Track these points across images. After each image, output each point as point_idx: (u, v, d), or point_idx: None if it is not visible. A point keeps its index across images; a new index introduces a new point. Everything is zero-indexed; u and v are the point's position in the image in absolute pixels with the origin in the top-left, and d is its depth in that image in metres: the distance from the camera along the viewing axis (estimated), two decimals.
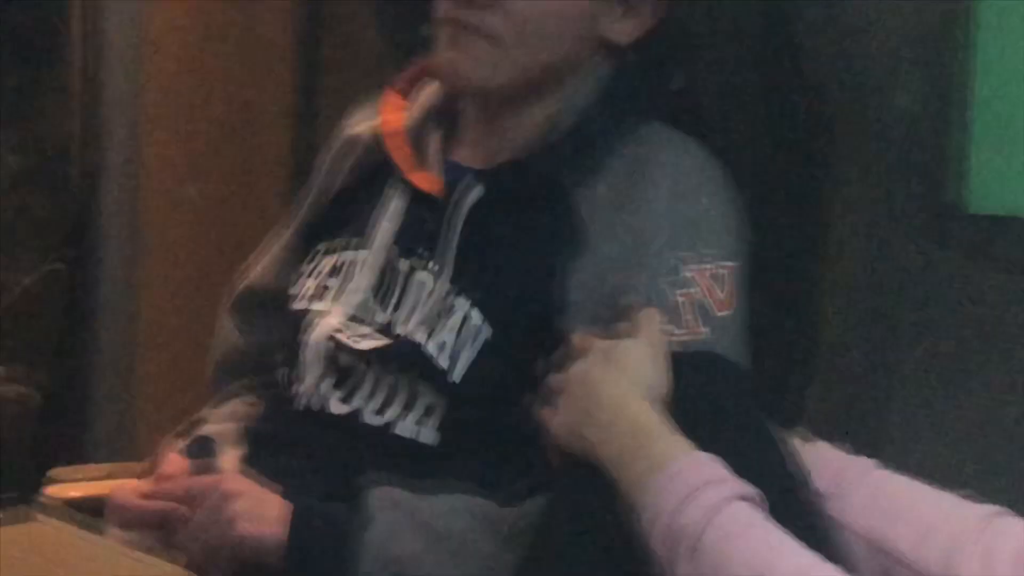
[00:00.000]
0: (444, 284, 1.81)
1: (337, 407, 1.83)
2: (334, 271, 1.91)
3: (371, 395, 1.83)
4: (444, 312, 1.80)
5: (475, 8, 1.80)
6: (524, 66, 1.83)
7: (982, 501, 1.52)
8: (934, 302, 1.81)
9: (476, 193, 1.84)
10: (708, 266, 1.76)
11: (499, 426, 1.72)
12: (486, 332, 1.78)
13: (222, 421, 1.95)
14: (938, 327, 1.81)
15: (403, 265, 1.85)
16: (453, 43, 1.83)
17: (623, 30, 1.86)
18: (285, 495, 1.71)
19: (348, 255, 1.91)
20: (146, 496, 1.77)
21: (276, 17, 2.89)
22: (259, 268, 2.06)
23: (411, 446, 1.79)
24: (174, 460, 1.86)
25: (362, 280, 1.87)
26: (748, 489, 1.38)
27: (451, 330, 1.79)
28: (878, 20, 1.84)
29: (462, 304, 1.80)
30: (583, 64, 1.87)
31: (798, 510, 1.42)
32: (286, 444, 1.85)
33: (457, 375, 1.78)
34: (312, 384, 1.86)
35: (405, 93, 1.95)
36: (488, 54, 1.81)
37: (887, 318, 1.84)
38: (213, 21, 2.86)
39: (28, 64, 2.76)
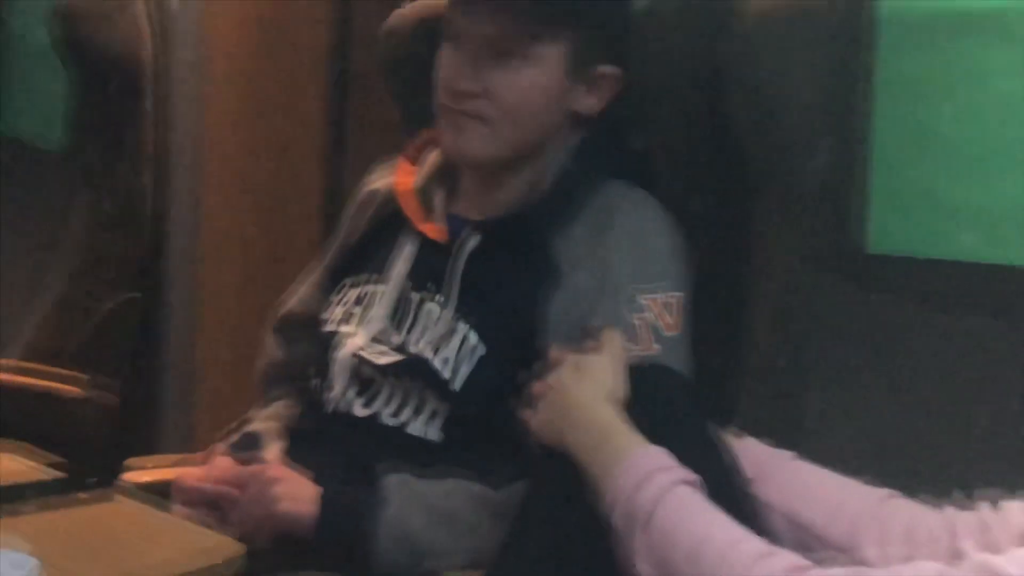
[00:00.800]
0: (448, 312, 1.82)
1: (360, 411, 1.84)
2: (358, 301, 1.91)
3: (388, 401, 1.84)
4: (447, 334, 1.81)
5: (468, 98, 1.81)
6: (510, 141, 1.84)
7: (878, 485, 1.53)
8: (840, 325, 1.81)
9: (474, 241, 1.85)
10: (659, 296, 1.78)
11: (491, 425, 1.73)
12: (481, 350, 1.79)
13: (266, 420, 1.95)
14: (843, 345, 1.80)
15: (414, 297, 1.86)
16: (452, 124, 1.84)
17: (589, 104, 1.86)
18: (316, 480, 1.73)
19: (369, 288, 1.91)
20: (204, 480, 1.78)
21: (313, 92, 2.90)
22: (297, 297, 2.07)
23: (420, 442, 1.80)
24: (227, 452, 1.86)
25: (381, 308, 1.88)
26: (690, 475, 1.38)
27: (453, 348, 1.80)
28: (796, 94, 1.84)
29: (462, 328, 1.80)
30: (558, 133, 1.87)
31: (730, 493, 1.41)
32: (318, 440, 1.86)
33: (458, 385, 1.79)
34: (340, 392, 1.86)
35: (414, 159, 1.96)
36: (480, 133, 1.82)
37: (802, 339, 1.83)
38: (263, 98, 2.87)
39: (111, 128, 2.75)
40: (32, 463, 1.86)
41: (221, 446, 1.91)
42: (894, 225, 1.77)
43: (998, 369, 1.68)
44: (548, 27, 1.81)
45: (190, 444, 2.33)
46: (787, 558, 1.30)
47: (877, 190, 1.77)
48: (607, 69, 1.86)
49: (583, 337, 1.62)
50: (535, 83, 1.82)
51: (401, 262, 1.90)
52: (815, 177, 1.82)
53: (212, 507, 1.75)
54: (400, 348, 1.83)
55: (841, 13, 1.80)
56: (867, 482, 1.53)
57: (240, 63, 2.84)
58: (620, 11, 1.93)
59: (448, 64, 1.84)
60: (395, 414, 1.82)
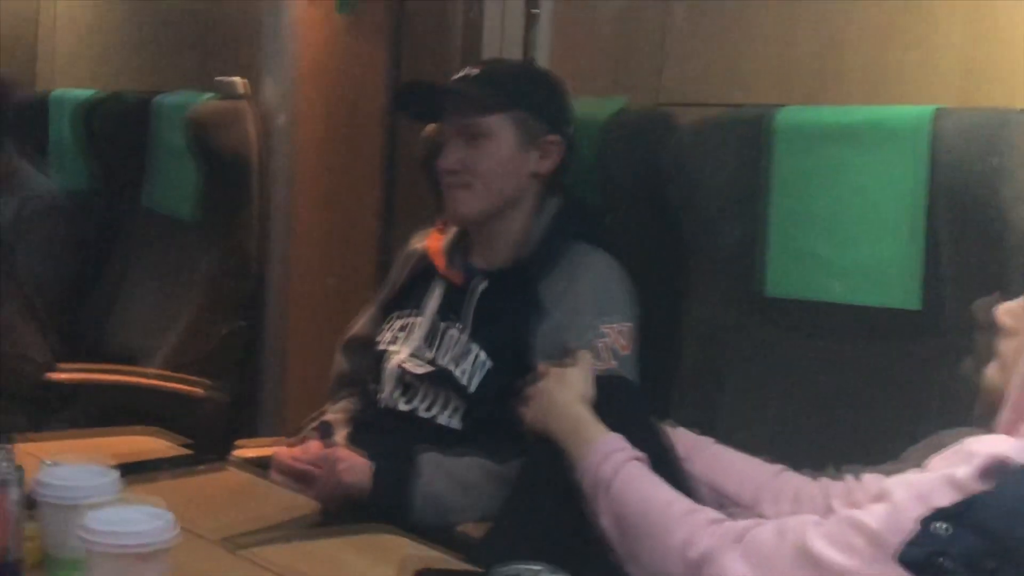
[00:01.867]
0: (465, 336, 1.83)
1: (403, 407, 1.85)
2: (402, 328, 1.92)
3: (422, 400, 1.84)
4: (465, 353, 1.81)
5: (454, 173, 1.83)
6: (489, 199, 1.85)
7: (773, 463, 1.52)
8: (746, 348, 1.81)
9: (483, 285, 1.86)
10: (616, 325, 1.78)
11: (497, 418, 1.71)
12: (489, 364, 1.79)
13: (336, 413, 1.95)
14: (749, 362, 1.80)
15: (441, 325, 1.86)
16: (449, 195, 1.86)
17: (543, 166, 1.87)
18: (370, 458, 1.72)
19: (410, 319, 1.91)
20: (292, 457, 1.77)
21: (372, 181, 2.92)
22: (358, 325, 2.07)
23: (445, 430, 1.80)
24: (308, 436, 1.86)
25: (418, 333, 1.88)
26: (639, 454, 1.39)
27: (469, 363, 1.80)
28: (716, 183, 1.82)
29: (475, 348, 1.81)
30: (528, 191, 1.87)
31: (667, 467, 1.41)
32: (372, 428, 1.86)
33: (472, 389, 1.79)
34: (388, 393, 1.87)
35: (441, 230, 1.96)
36: (466, 197, 1.84)
37: (719, 357, 1.83)
38: (337, 184, 2.88)
39: (228, 204, 2.76)
40: (167, 443, 1.86)
41: (304, 432, 1.91)
42: (785, 276, 1.76)
43: (859, 379, 1.68)
44: (497, 112, 1.82)
45: (281, 430, 2.32)
46: (707, 513, 1.30)
47: (773, 252, 1.76)
48: (552, 137, 1.86)
49: (562, 355, 1.62)
50: (496, 154, 1.83)
51: (432, 300, 1.90)
52: (730, 242, 1.82)
53: (297, 477, 1.74)
54: (431, 362, 1.84)
55: (748, 125, 1.79)
56: (765, 460, 1.53)
57: (321, 158, 2.85)
58: (555, 93, 1.92)
59: (443, 154, 1.86)
60: (427, 409, 1.83)
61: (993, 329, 1.23)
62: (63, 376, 2.47)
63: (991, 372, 1.23)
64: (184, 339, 2.68)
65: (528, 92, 1.88)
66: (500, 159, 1.83)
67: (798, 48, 1.89)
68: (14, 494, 1.12)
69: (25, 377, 2.44)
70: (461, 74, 1.88)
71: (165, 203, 2.91)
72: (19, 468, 1.14)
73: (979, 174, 1.52)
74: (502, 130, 1.83)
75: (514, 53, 2.66)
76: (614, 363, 1.73)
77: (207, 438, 2.03)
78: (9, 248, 2.83)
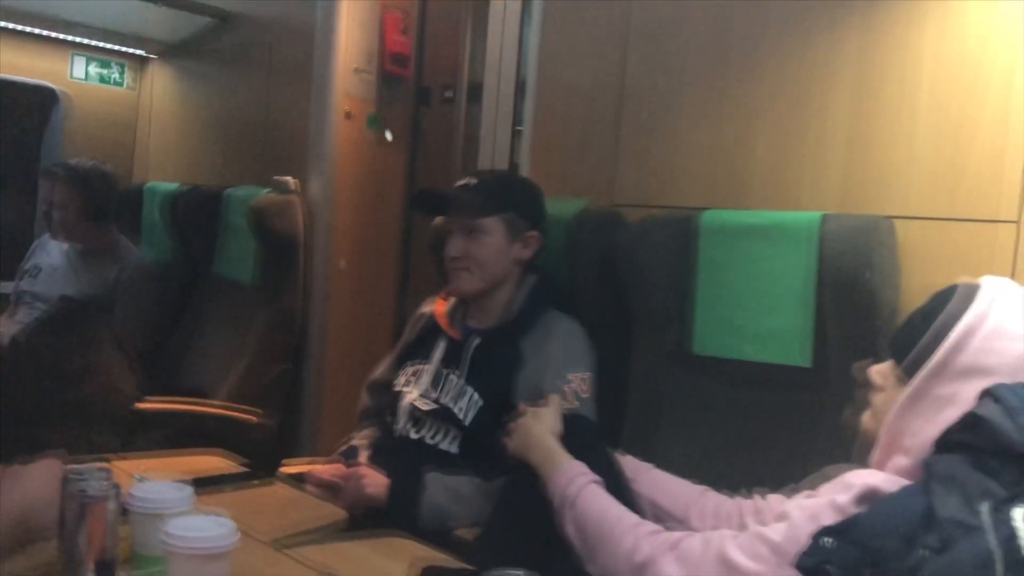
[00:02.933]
0: (462, 381, 1.81)
1: (413, 436, 1.83)
2: (414, 374, 1.90)
3: (429, 430, 1.82)
4: (461, 394, 1.79)
5: (457, 260, 1.83)
6: (483, 280, 1.85)
7: (699, 484, 1.52)
8: (678, 395, 1.80)
9: (477, 341, 1.84)
10: (579, 374, 1.77)
11: (486, 445, 1.69)
12: (480, 403, 1.78)
13: (361, 440, 1.92)
14: (680, 407, 1.79)
15: (444, 372, 1.84)
16: (453, 276, 1.86)
17: (525, 254, 1.87)
18: (388, 475, 1.69)
19: (420, 367, 1.90)
20: (325, 474, 1.73)
21: (391, 261, 2.93)
22: (380, 370, 2.04)
23: (446, 454, 1.79)
24: (338, 458, 1.83)
25: (426, 379, 1.86)
26: (597, 478, 1.38)
27: (465, 401, 1.79)
28: (656, 267, 1.82)
29: (469, 390, 1.79)
30: (513, 272, 1.87)
31: (618, 488, 1.40)
32: (389, 452, 1.83)
33: (467, 422, 1.77)
34: (402, 425, 1.85)
35: (445, 298, 1.96)
36: (466, 279, 1.85)
37: (658, 402, 1.82)
38: (364, 262, 2.88)
39: (288, 273, 2.74)
40: (228, 462, 1.84)
41: (335, 454, 1.88)
42: (708, 338, 1.76)
43: (766, 421, 1.68)
44: (490, 214, 1.83)
45: (318, 451, 2.30)
46: (649, 525, 1.29)
47: (699, 319, 1.77)
48: (532, 233, 1.87)
49: (537, 397, 1.62)
50: (491, 247, 1.84)
51: (437, 352, 1.89)
52: (666, 311, 1.81)
53: (329, 489, 1.71)
54: (436, 400, 1.82)
55: (681, 223, 1.80)
56: (693, 482, 1.52)
57: (352, 239, 2.85)
58: (535, 198, 1.92)
59: (448, 244, 1.86)
60: (432, 437, 1.81)
61: (867, 385, 1.24)
62: (148, 405, 2.44)
63: (866, 420, 1.23)
64: (242, 377, 2.65)
65: (515, 198, 1.89)
66: (492, 250, 1.84)
67: (719, 162, 1.88)
68: (112, 505, 1.11)
69: (118, 406, 2.41)
70: (463, 182, 1.88)
71: (230, 271, 2.90)
72: (116, 485, 1.13)
73: (856, 265, 1.53)
74: (494, 227, 1.83)
75: (502, 160, 2.69)
76: (577, 404, 1.72)
77: (259, 457, 2.00)
78: (109, 303, 2.82)
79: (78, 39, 3.44)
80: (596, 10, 2.13)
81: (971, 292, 1.13)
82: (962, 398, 1.07)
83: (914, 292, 1.49)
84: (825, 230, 1.59)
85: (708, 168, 1.91)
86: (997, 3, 1.51)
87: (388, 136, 2.83)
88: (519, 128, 2.53)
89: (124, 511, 1.17)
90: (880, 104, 1.64)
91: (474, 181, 1.88)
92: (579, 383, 1.75)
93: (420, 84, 3.07)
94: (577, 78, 2.17)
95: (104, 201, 2.87)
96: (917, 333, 1.14)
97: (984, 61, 1.51)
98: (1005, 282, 1.15)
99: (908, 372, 1.15)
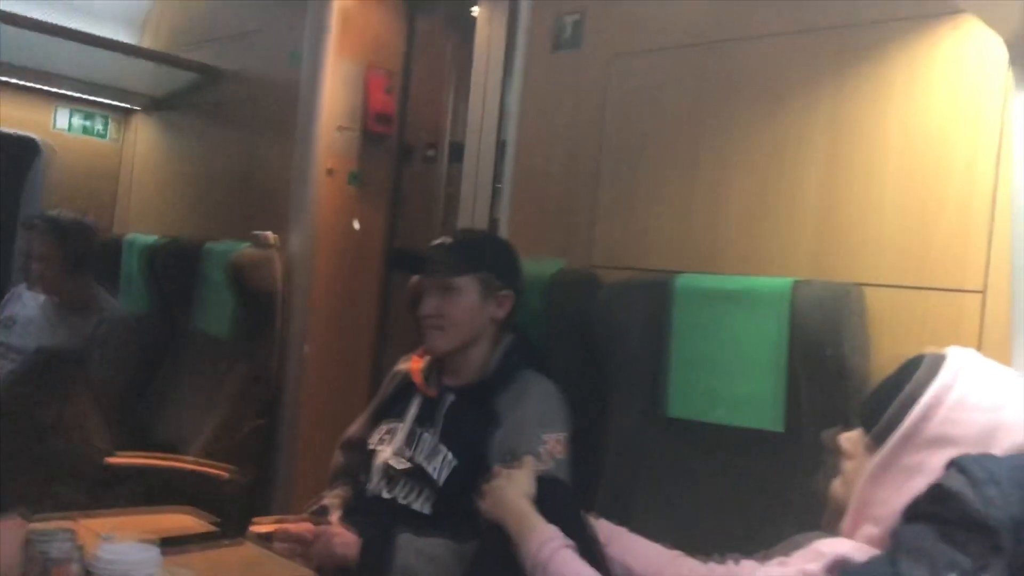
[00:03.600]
0: (436, 440, 1.80)
1: (386, 495, 1.82)
2: (388, 432, 1.89)
3: (401, 490, 1.80)
4: (435, 453, 1.78)
5: (431, 319, 1.83)
6: (457, 338, 1.85)
7: (672, 549, 1.51)
8: (653, 457, 1.80)
9: (452, 399, 1.84)
10: (554, 435, 1.75)
11: (459, 506, 1.67)
12: (454, 463, 1.77)
13: (333, 499, 1.90)
14: (654, 469, 1.78)
15: (418, 430, 1.84)
16: (428, 334, 1.86)
17: (499, 313, 1.87)
18: (359, 535, 1.68)
19: (394, 425, 1.89)
20: (296, 532, 1.72)
21: (368, 317, 2.92)
22: (354, 428, 2.03)
23: (418, 514, 1.76)
24: (309, 516, 1.81)
25: (400, 437, 1.85)
26: (569, 542, 1.36)
27: (438, 461, 1.77)
28: (631, 329, 1.83)
29: (443, 449, 1.78)
30: (487, 331, 1.87)
31: (591, 552, 1.39)
32: (362, 512, 1.81)
33: (441, 482, 1.76)
34: (375, 484, 1.84)
35: (421, 355, 1.95)
36: (440, 337, 1.84)
37: (633, 464, 1.81)
38: (341, 318, 2.89)
39: (260, 327, 2.74)
40: (198, 520, 1.81)
41: (305, 513, 1.86)
42: (682, 402, 1.76)
43: (739, 486, 1.67)
44: (465, 273, 1.83)
45: (290, 510, 2.26)
46: None
47: (673, 382, 1.77)
48: (505, 292, 1.87)
49: (512, 459, 1.61)
50: (464, 305, 1.84)
51: (412, 410, 1.88)
52: (642, 373, 1.81)
53: (299, 544, 1.69)
54: (410, 459, 1.81)
55: (656, 286, 1.80)
56: (666, 546, 1.51)
57: (330, 296, 2.86)
58: (510, 257, 1.93)
59: (422, 302, 1.86)
60: (405, 497, 1.79)
61: (837, 453, 1.24)
62: (119, 460, 2.42)
63: (836, 487, 1.23)
64: (216, 432, 2.63)
65: (490, 257, 1.89)
66: (466, 309, 1.84)
67: (694, 225, 1.90)
68: (75, 569, 1.10)
69: (89, 461, 2.38)
70: (438, 242, 1.89)
71: (208, 325, 2.89)
72: (79, 547, 1.12)
73: (826, 332, 1.54)
74: (469, 287, 1.84)
75: (482, 218, 2.71)
76: (552, 465, 1.70)
77: (231, 514, 1.97)
78: (85, 356, 2.79)
79: (62, 91, 3.46)
80: (575, 74, 2.17)
81: (937, 362, 1.15)
82: (929, 468, 1.08)
83: (884, 359, 1.50)
84: (796, 296, 1.60)
85: (683, 231, 1.92)
86: (959, 84, 1.55)
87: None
88: (499, 185, 2.55)
89: (88, 573, 1.15)
90: (849, 175, 1.67)
91: (449, 241, 1.88)
92: (554, 444, 1.74)
93: (403, 142, 3.10)
94: (556, 140, 2.20)
95: (83, 254, 2.85)
96: (885, 402, 1.16)
97: (948, 138, 1.55)
98: (970, 353, 1.17)
99: (877, 441, 1.16)
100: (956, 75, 1.56)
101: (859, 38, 1.68)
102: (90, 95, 3.54)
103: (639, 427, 1.82)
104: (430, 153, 3.08)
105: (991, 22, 1.24)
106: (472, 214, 2.74)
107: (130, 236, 3.29)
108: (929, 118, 1.58)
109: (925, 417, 1.11)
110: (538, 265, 2.02)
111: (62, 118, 3.53)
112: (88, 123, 3.61)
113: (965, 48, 1.54)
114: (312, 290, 2.80)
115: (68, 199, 3.29)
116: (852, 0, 1.69)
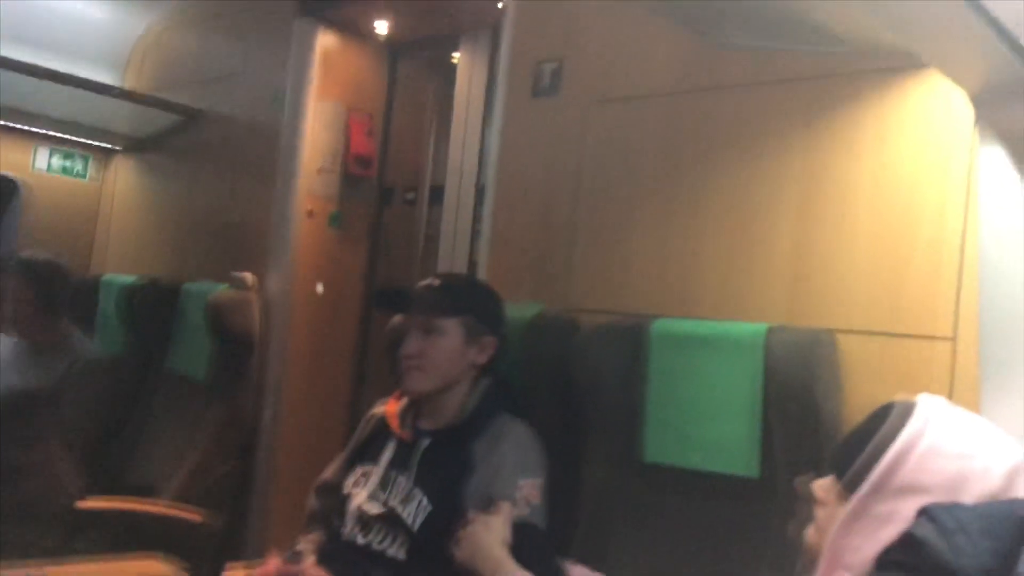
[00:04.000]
0: (410, 484, 1.77)
1: (360, 540, 1.77)
2: (363, 475, 1.86)
3: (376, 535, 1.76)
4: (410, 497, 1.75)
5: (412, 359, 1.81)
6: (436, 380, 1.82)
7: None
8: (629, 502, 1.78)
9: (427, 442, 1.81)
10: (530, 480, 1.72)
11: (434, 553, 1.64)
12: (429, 508, 1.73)
13: (307, 543, 1.86)
14: (631, 514, 1.77)
15: (393, 474, 1.80)
16: (407, 374, 1.83)
17: (480, 359, 1.85)
18: None
19: (369, 469, 1.86)
20: (270, 570, 1.70)
21: (345, 364, 2.91)
22: (329, 471, 1.99)
23: (394, 560, 1.73)
24: (284, 561, 1.79)
25: (375, 481, 1.82)
26: None
27: (413, 506, 1.74)
28: (608, 375, 1.82)
29: (418, 494, 1.75)
30: (467, 374, 1.85)
31: None
32: (335, 558, 1.78)
33: (415, 527, 1.72)
34: (349, 529, 1.80)
35: (398, 398, 1.94)
36: (420, 377, 1.82)
37: (609, 509, 1.80)
38: (317, 363, 2.89)
39: (249, 370, 2.72)
40: (169, 566, 1.78)
41: (281, 558, 1.83)
42: (659, 447, 1.75)
43: (714, 531, 1.67)
44: (450, 316, 1.82)
45: (264, 554, 2.23)
46: None
47: (650, 427, 1.76)
48: (489, 338, 1.86)
49: (487, 505, 1.60)
50: (446, 348, 1.82)
51: (387, 454, 1.85)
52: (618, 418, 1.81)
53: None
54: (384, 504, 1.77)
55: (632, 330, 1.80)
56: None
57: (309, 338, 2.85)
58: (495, 303, 1.92)
59: (405, 342, 1.84)
60: (380, 543, 1.75)
61: (810, 500, 1.24)
62: (90, 504, 2.38)
63: (809, 534, 1.23)
64: (191, 475, 2.60)
65: (476, 302, 1.89)
66: (449, 351, 1.82)
67: (671, 270, 1.91)
68: None
69: (60, 505, 2.35)
70: (426, 282, 1.88)
71: (184, 366, 2.87)
72: None
73: (800, 377, 1.55)
74: (452, 329, 1.82)
75: (461, 260, 2.73)
76: (528, 511, 1.67)
77: (203, 559, 1.95)
78: (57, 398, 2.76)
79: (42, 131, 3.46)
80: (554, 120, 2.19)
81: (907, 410, 1.16)
82: (900, 516, 1.09)
83: (857, 405, 1.51)
84: (770, 342, 1.61)
85: (660, 276, 1.93)
86: (928, 136, 1.59)
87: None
88: (478, 228, 2.57)
89: None
90: (822, 223, 1.70)
91: (437, 282, 1.88)
92: (530, 490, 1.71)
93: (383, 185, 3.12)
94: (535, 183, 2.22)
95: (56, 295, 2.83)
96: (856, 450, 1.16)
97: (918, 188, 1.58)
98: (939, 401, 1.18)
99: (848, 488, 1.16)
100: (924, 127, 1.59)
101: (830, 90, 1.71)
102: (71, 135, 3.54)
103: (616, 472, 1.81)
104: (410, 195, 3.10)
105: (955, 78, 1.27)
106: (452, 256, 2.75)
107: (108, 276, 3.28)
108: (899, 169, 1.61)
109: (896, 465, 1.12)
110: (517, 309, 2.02)
111: (42, 158, 3.53)
112: (68, 163, 3.61)
113: (932, 101, 1.58)
114: (290, 332, 2.78)
115: (46, 238, 3.28)
116: (823, 53, 1.72)
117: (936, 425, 1.13)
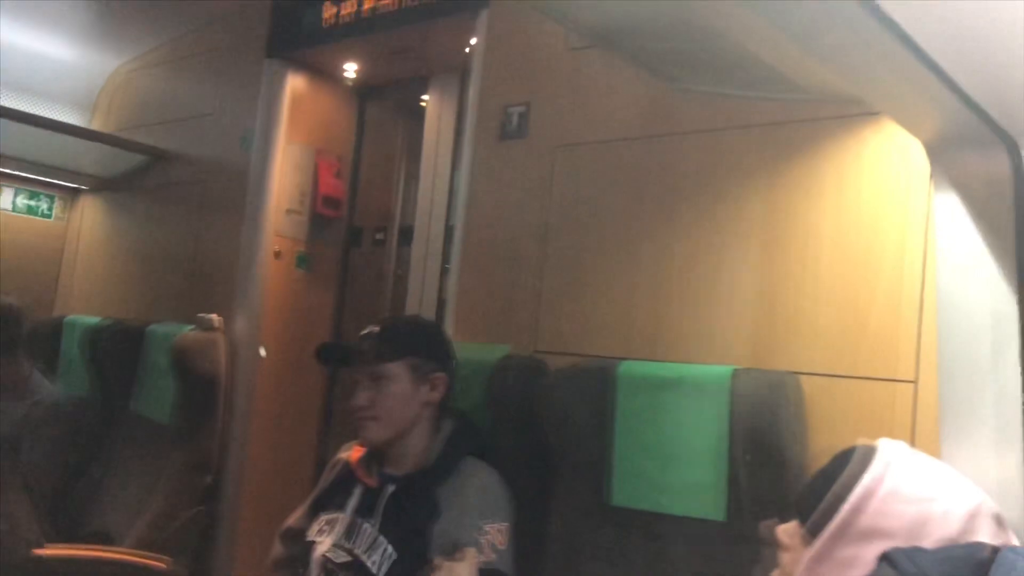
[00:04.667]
0: (375, 532, 1.76)
1: None
2: (328, 523, 1.84)
3: None
4: (375, 545, 1.74)
5: (363, 410, 1.81)
6: (391, 427, 1.82)
7: None
8: (596, 546, 1.77)
9: (392, 488, 1.81)
10: (496, 525, 1.73)
11: None
12: (394, 555, 1.72)
13: None
14: (600, 560, 1.76)
15: (359, 521, 1.79)
16: (361, 426, 1.83)
17: (433, 396, 1.84)
18: None
19: (334, 516, 1.84)
20: None
21: (311, 404, 2.88)
22: (293, 518, 1.99)
23: None
24: None
25: (340, 528, 1.81)
26: None
27: (378, 554, 1.73)
28: (574, 416, 1.82)
29: (383, 541, 1.74)
30: (424, 415, 1.84)
31: None
32: None
33: (380, 575, 1.72)
34: None
35: (361, 445, 1.92)
36: (374, 427, 1.81)
37: (577, 553, 1.79)
38: (285, 401, 2.85)
39: (211, 412, 2.68)
40: None
41: None
42: (625, 490, 1.75)
43: (680, 569, 1.66)
44: (394, 360, 1.82)
45: None
46: None
47: (616, 471, 1.76)
48: (437, 375, 1.85)
49: (452, 550, 1.59)
50: (396, 393, 1.81)
51: (353, 500, 1.84)
52: (585, 461, 1.79)
53: None
54: (349, 552, 1.76)
55: (599, 373, 1.80)
56: None
57: (275, 381, 2.83)
58: (439, 339, 1.92)
59: (354, 395, 1.84)
60: None
61: (775, 544, 1.24)
62: (48, 551, 2.32)
63: None
64: (153, 520, 2.55)
65: (418, 341, 1.88)
66: (398, 396, 1.81)
67: (636, 313, 1.92)
68: None
69: (16, 553, 2.28)
70: (366, 331, 1.86)
71: (149, 409, 2.83)
72: None
73: (764, 420, 1.56)
74: (399, 373, 1.81)
75: (430, 301, 2.72)
76: (494, 557, 1.68)
77: None
78: (15, 442, 2.71)
79: (7, 171, 3.43)
80: (522, 162, 2.20)
81: (868, 455, 1.17)
82: (863, 561, 1.09)
83: (821, 447, 1.51)
84: (735, 384, 1.62)
85: (626, 318, 1.94)
86: (886, 181, 1.62)
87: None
88: (447, 266, 2.57)
89: None
90: (784, 266, 1.72)
91: (376, 329, 1.86)
92: (496, 534, 1.71)
93: (352, 225, 3.12)
94: (503, 225, 2.23)
95: (11, 338, 2.78)
96: (818, 495, 1.16)
97: (878, 230, 1.61)
98: (900, 445, 1.19)
99: (812, 533, 1.16)
100: (883, 174, 1.62)
101: (791, 136, 1.74)
102: (37, 175, 3.52)
103: (583, 516, 1.80)
104: (379, 236, 3.10)
105: (908, 127, 1.30)
106: (421, 297, 2.75)
107: (71, 317, 3.23)
108: (859, 213, 1.64)
109: (857, 510, 1.12)
110: (483, 351, 2.02)
111: (6, 197, 3.50)
112: (33, 203, 3.58)
113: (890, 147, 1.61)
114: (256, 374, 2.76)
115: (8, 278, 3.23)
116: (784, 99, 1.76)
117: (896, 470, 1.14)
